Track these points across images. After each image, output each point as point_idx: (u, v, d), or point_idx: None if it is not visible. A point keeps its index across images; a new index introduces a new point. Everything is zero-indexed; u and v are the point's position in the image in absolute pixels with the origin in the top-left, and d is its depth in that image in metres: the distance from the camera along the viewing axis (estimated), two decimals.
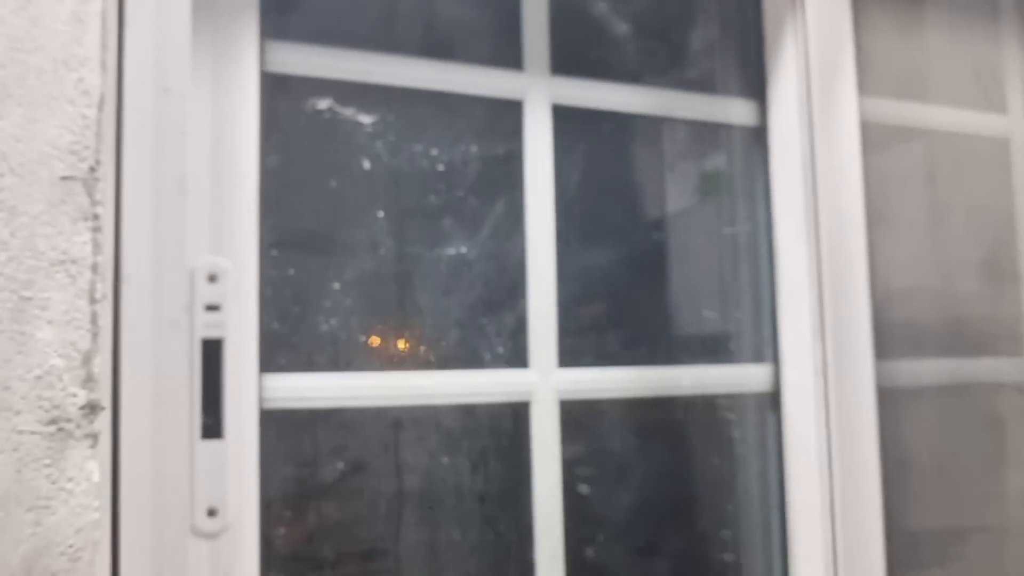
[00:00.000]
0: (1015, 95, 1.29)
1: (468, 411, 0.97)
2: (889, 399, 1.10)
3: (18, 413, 0.59)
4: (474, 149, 1.00)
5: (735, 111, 1.15)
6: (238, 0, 0.88)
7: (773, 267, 1.11)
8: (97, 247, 0.61)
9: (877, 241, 1.13)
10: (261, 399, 0.87)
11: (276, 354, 0.89)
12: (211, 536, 0.83)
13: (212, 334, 0.85)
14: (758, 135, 1.14)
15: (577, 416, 1.02)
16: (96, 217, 0.61)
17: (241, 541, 0.84)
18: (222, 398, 0.85)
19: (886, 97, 1.18)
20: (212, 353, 0.85)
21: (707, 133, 1.15)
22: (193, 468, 0.82)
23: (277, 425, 0.89)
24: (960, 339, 1.19)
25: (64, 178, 0.61)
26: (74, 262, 0.61)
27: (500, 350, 0.99)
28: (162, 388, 0.77)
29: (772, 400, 1.11)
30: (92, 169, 0.62)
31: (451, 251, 0.98)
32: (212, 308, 0.85)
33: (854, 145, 1.10)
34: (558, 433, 1.00)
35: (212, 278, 0.85)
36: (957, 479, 1.16)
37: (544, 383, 1.00)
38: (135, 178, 0.74)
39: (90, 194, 0.61)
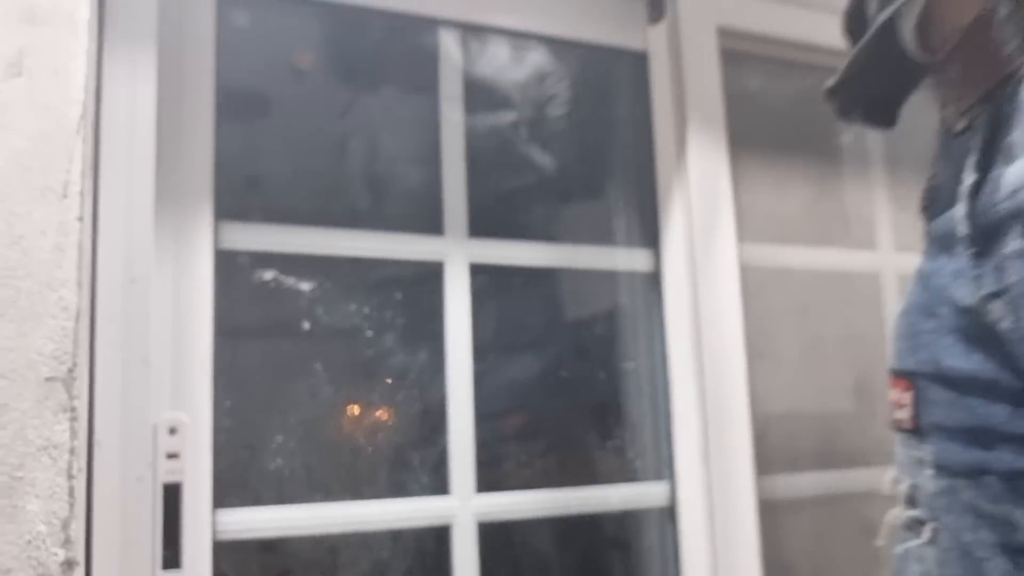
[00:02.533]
0: (883, 233, 1.48)
1: (396, 536, 1.12)
2: (770, 510, 1.26)
3: (9, 571, 0.73)
4: (401, 306, 1.16)
5: (634, 259, 1.32)
6: (194, 188, 1.05)
7: (668, 396, 1.27)
8: (74, 433, 0.77)
9: (757, 372, 1.30)
10: (215, 532, 1.01)
11: (228, 492, 1.04)
12: None
13: (172, 479, 1.00)
14: (654, 280, 1.32)
15: (495, 536, 1.17)
16: (74, 409, 0.77)
17: None
18: (180, 533, 0.99)
19: (763, 243, 1.37)
20: (172, 495, 1.00)
21: (610, 280, 1.33)
22: None
23: (230, 554, 1.03)
24: (834, 454, 1.35)
25: (48, 379, 0.76)
26: (56, 447, 0.76)
27: (425, 480, 1.14)
28: (128, 532, 0.92)
29: (670, 514, 1.26)
30: (70, 370, 0.77)
31: (382, 397, 1.14)
32: (172, 456, 1.00)
33: (734, 287, 1.28)
34: (477, 553, 1.15)
35: (172, 431, 1.00)
36: None
37: (464, 508, 1.15)
38: (106, 359, 0.90)
39: (68, 391, 0.77)
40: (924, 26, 0.63)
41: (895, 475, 0.75)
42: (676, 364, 1.27)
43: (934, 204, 0.66)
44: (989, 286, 0.59)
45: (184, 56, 1.04)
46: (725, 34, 1.35)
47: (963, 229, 0.62)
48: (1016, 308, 0.56)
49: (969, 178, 0.61)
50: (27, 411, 0.75)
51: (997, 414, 0.60)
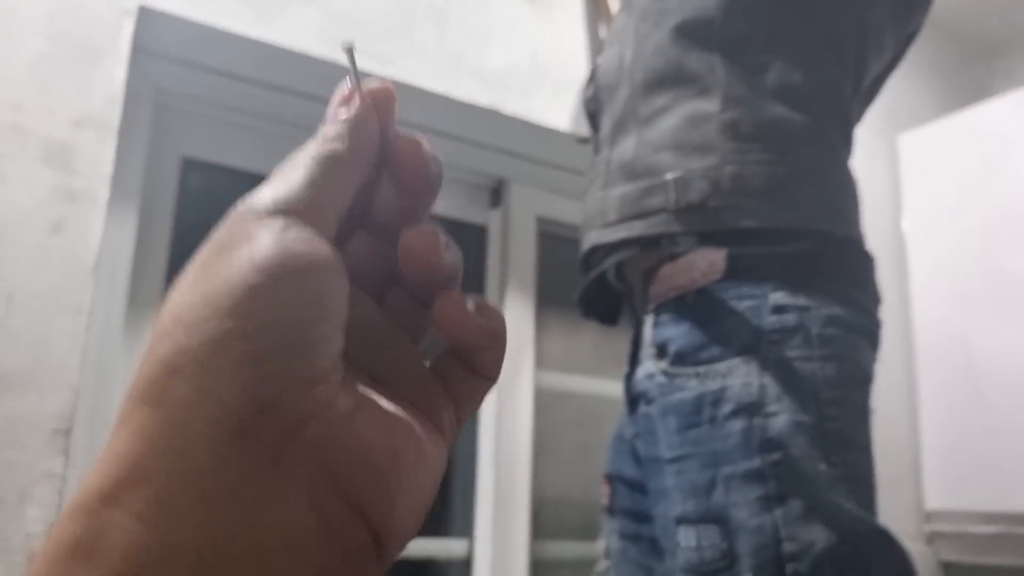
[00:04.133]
0: None
1: None
2: (541, 567, 1.75)
3: (12, 553, 1.14)
4: None
5: None
6: (150, 297, 1.49)
7: (476, 479, 1.76)
8: (66, 467, 1.19)
9: (540, 465, 1.80)
10: None
11: None
12: None
13: None
14: None
15: None
16: (67, 451, 1.19)
17: None
18: None
19: (555, 371, 1.90)
20: None
21: None
22: None
23: None
24: (592, 528, 1.86)
25: (54, 430, 1.19)
26: (53, 475, 1.18)
27: None
28: None
29: (468, 564, 1.73)
30: (69, 427, 1.20)
31: None
32: None
33: (528, 402, 1.79)
34: None
35: None
36: None
37: None
38: (83, 419, 1.32)
39: (66, 439, 1.19)
40: (619, 274, 1.15)
41: (601, 540, 1.24)
42: (483, 455, 1.76)
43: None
44: (632, 429, 1.10)
45: (154, 211, 1.50)
46: (541, 220, 1.89)
47: (625, 395, 1.13)
48: (644, 443, 1.06)
49: (627, 368, 1.12)
50: (38, 451, 1.17)
51: (644, 502, 1.10)
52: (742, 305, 0.91)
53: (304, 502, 0.24)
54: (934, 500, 2.08)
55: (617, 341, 2.01)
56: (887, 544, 0.86)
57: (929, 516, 2.10)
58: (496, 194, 1.88)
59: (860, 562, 0.84)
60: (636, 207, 0.99)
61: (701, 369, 0.93)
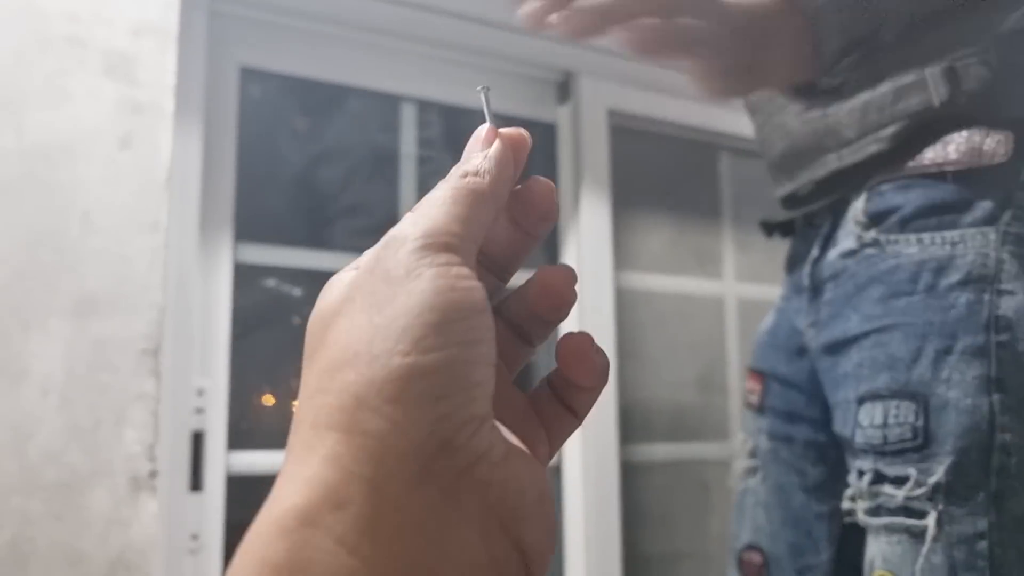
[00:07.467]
0: (728, 267, 1.96)
1: None
2: (630, 470, 1.72)
3: (114, 475, 1.12)
4: None
5: None
6: (221, 219, 1.44)
7: None
8: (157, 388, 1.16)
9: (625, 368, 1.75)
10: (228, 467, 1.42)
11: (239, 439, 1.44)
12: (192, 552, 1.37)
13: (198, 427, 1.40)
14: None
15: None
16: (158, 372, 1.16)
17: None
18: (203, 467, 1.39)
19: (635, 271, 1.83)
20: (198, 440, 1.40)
21: None
22: (186, 508, 1.35)
23: (240, 484, 1.43)
24: (679, 430, 1.82)
25: (143, 351, 1.16)
26: (146, 396, 1.15)
27: None
28: (175, 462, 1.31)
29: (557, 471, 1.71)
30: (157, 347, 1.17)
31: None
32: (199, 411, 1.40)
33: (610, 303, 1.74)
34: None
35: (200, 392, 1.40)
36: (676, 522, 1.78)
37: None
38: (166, 340, 1.29)
39: (155, 360, 1.17)
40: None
41: (744, 437, 1.17)
42: None
43: (792, 265, 1.06)
44: (812, 317, 1.02)
45: (217, 125, 1.44)
46: (613, 114, 1.80)
47: (807, 282, 1.05)
48: (824, 330, 0.99)
49: (815, 253, 1.03)
50: (130, 371, 1.15)
51: (799, 402, 1.03)
52: (987, 177, 0.83)
53: (476, 539, 0.26)
54: None
55: (695, 237, 1.94)
56: None
57: None
58: (564, 88, 1.79)
59: None
60: (887, 115, 0.89)
61: (926, 236, 0.84)
